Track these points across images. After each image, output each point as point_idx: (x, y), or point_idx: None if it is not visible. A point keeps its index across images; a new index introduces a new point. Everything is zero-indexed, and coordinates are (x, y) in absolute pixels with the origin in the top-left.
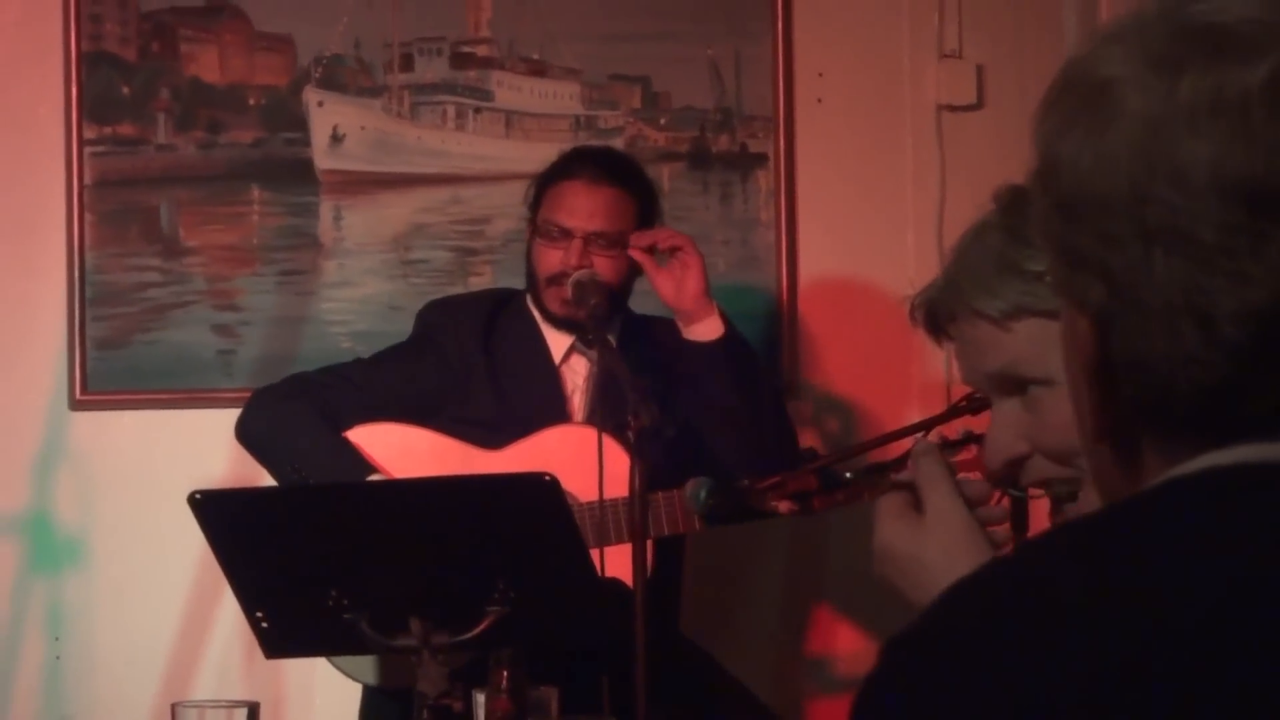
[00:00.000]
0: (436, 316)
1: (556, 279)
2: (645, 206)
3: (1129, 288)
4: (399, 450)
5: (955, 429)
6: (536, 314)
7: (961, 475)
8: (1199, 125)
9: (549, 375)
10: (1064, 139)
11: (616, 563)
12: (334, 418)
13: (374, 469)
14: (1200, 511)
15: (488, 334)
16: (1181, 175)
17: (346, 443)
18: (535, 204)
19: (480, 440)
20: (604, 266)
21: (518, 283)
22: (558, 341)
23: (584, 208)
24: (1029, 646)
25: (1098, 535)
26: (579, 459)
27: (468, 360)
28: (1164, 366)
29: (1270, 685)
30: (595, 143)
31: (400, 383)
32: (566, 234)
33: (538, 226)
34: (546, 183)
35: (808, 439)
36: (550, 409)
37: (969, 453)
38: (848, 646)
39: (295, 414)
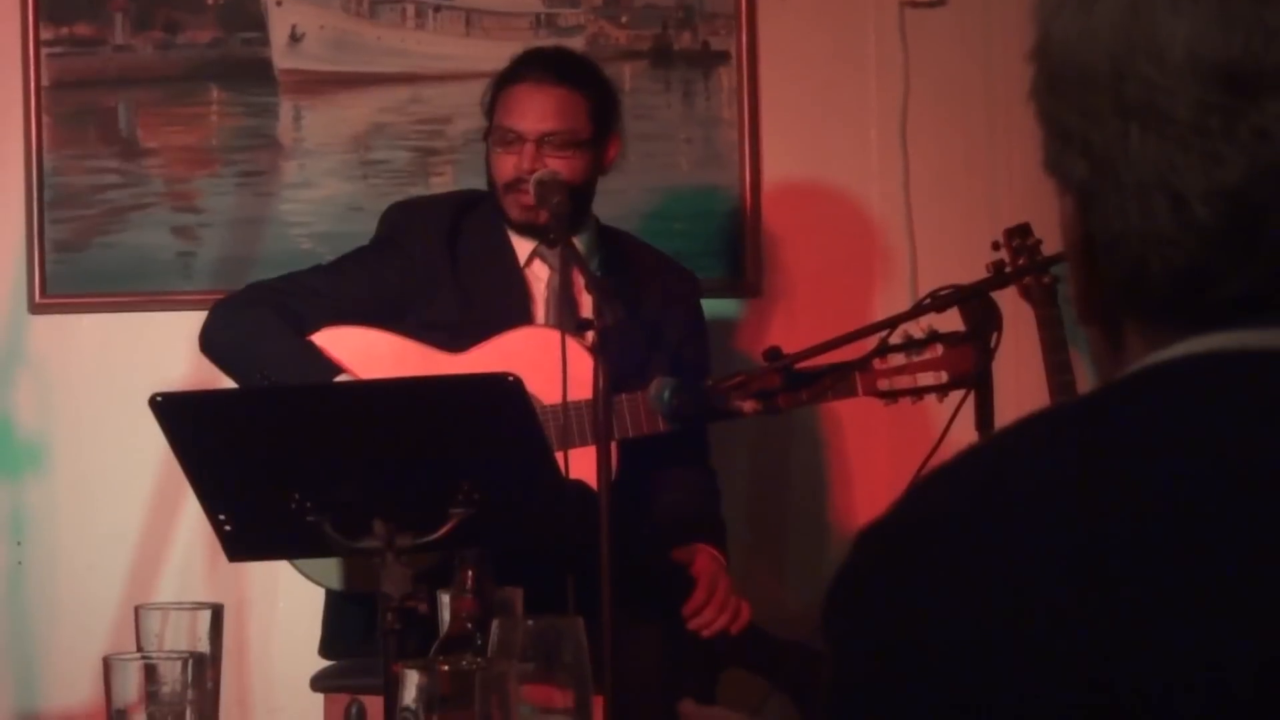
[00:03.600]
0: (400, 218)
1: (514, 184)
2: (599, 104)
3: (1107, 164)
4: (361, 354)
5: (920, 326)
6: (502, 218)
7: (929, 371)
8: (1179, 3)
9: (514, 278)
10: (1056, 15)
11: (582, 465)
12: (297, 323)
13: (340, 370)
14: (1174, 399)
15: (453, 236)
16: (1159, 52)
17: (312, 345)
18: (490, 111)
19: (443, 343)
20: (559, 167)
21: (478, 183)
22: (522, 246)
23: (533, 109)
24: (1002, 534)
25: (1071, 423)
26: (542, 361)
27: (432, 263)
28: (1138, 245)
29: (1240, 572)
30: (556, 41)
31: (363, 286)
32: (519, 138)
33: (493, 133)
34: (498, 88)
35: (772, 338)
36: (515, 312)
37: (934, 351)
38: (815, 544)
39: (258, 320)
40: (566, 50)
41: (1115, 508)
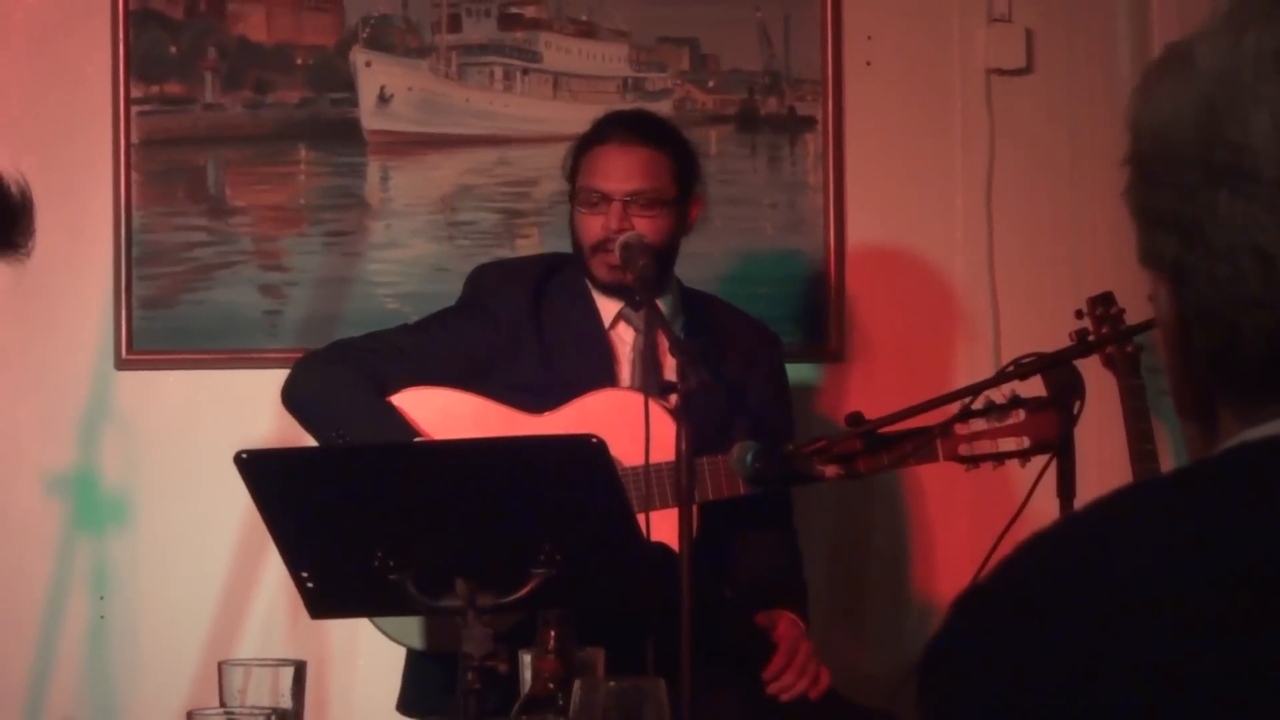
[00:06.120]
0: (487, 279)
1: (600, 245)
2: (682, 165)
3: (1197, 231)
4: (441, 414)
5: (1002, 392)
6: (587, 280)
7: (1011, 437)
8: (1263, 72)
9: (599, 341)
10: (1145, 106)
11: (662, 527)
12: (379, 383)
13: (416, 433)
14: (1263, 478)
15: (538, 298)
16: (1245, 118)
17: (390, 407)
18: (573, 173)
19: (527, 404)
20: (645, 227)
21: (563, 245)
22: (607, 309)
23: (619, 170)
24: (1099, 603)
25: (1163, 496)
26: (624, 423)
27: (516, 324)
28: (1229, 311)
29: None
30: (643, 105)
31: (446, 347)
32: (605, 198)
33: (577, 195)
34: (581, 151)
35: (854, 402)
36: (599, 374)
37: (1016, 416)
38: (894, 610)
39: (339, 378)
40: (647, 112)
41: (1210, 583)
